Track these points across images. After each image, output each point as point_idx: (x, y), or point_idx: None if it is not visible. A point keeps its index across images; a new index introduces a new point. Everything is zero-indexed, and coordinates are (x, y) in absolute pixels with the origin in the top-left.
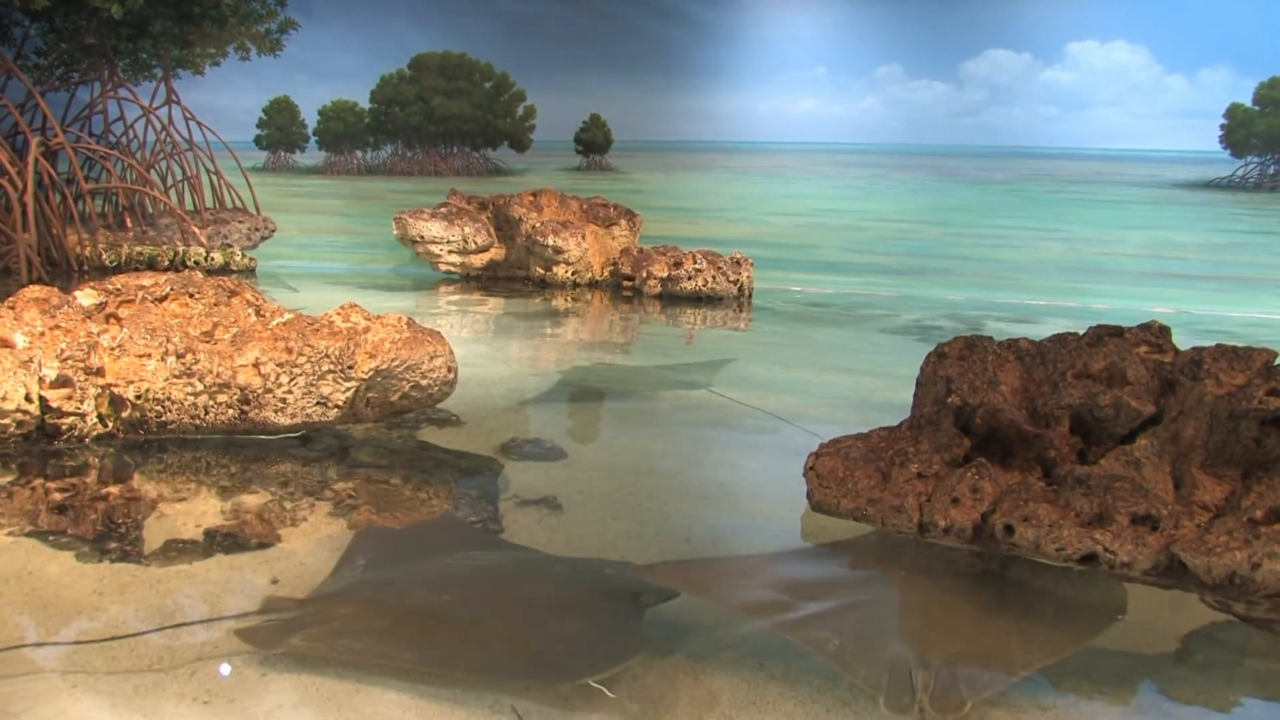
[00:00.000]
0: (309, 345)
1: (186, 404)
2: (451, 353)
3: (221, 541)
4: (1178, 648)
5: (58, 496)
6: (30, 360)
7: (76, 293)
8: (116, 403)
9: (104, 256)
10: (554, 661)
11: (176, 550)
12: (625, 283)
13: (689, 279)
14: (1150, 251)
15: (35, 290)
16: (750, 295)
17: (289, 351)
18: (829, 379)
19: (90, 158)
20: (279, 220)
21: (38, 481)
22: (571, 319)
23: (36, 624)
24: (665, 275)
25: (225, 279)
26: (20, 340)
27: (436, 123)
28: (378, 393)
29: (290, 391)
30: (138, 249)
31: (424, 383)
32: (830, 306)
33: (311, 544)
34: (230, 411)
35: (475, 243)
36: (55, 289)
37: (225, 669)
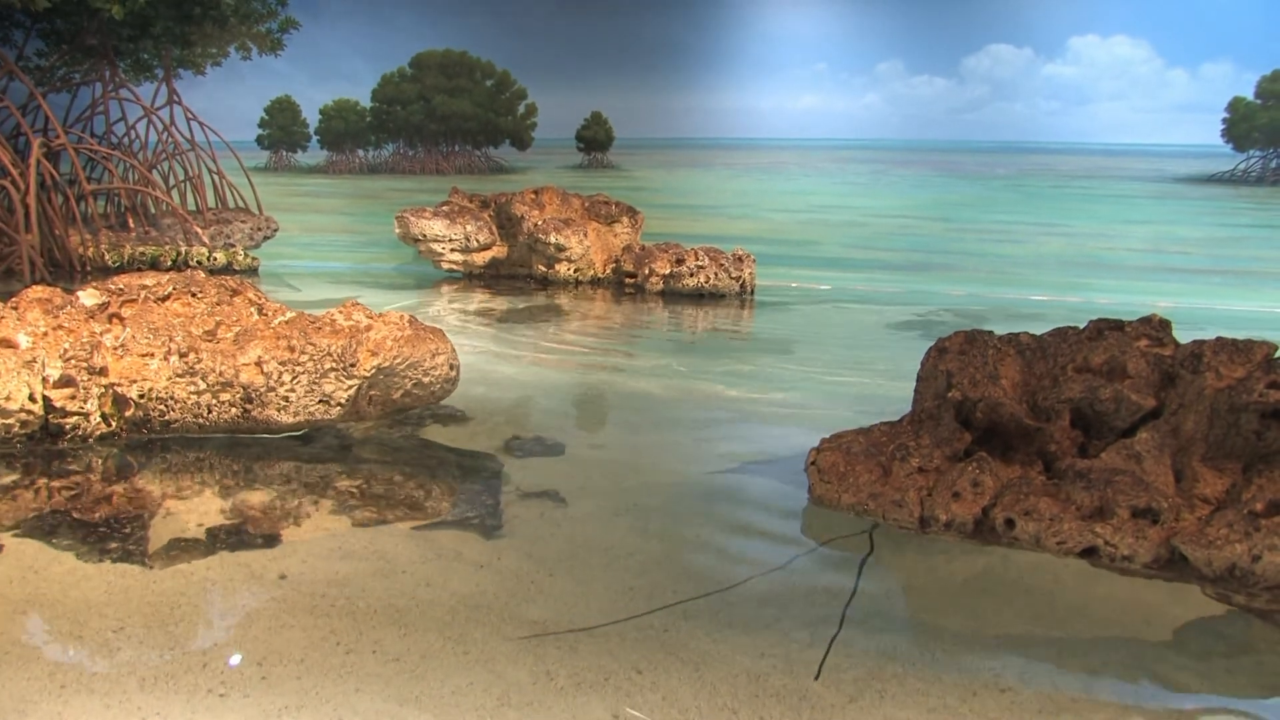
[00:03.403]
0: (311, 343)
1: (189, 403)
2: (454, 350)
3: (226, 539)
4: (1178, 638)
5: (62, 496)
6: (34, 360)
7: (79, 293)
8: (120, 402)
9: (106, 257)
10: None
11: (182, 548)
12: (627, 280)
13: (691, 276)
14: (1152, 246)
15: (38, 291)
16: (752, 291)
17: (291, 350)
18: (830, 374)
19: (92, 158)
20: (281, 220)
21: (42, 481)
22: (574, 316)
23: (43, 624)
24: (667, 272)
25: (227, 278)
26: (24, 340)
27: (438, 121)
28: (380, 390)
29: (293, 390)
30: (140, 249)
31: (426, 380)
32: (832, 302)
33: (316, 540)
34: (233, 410)
35: (477, 241)
36: (58, 289)
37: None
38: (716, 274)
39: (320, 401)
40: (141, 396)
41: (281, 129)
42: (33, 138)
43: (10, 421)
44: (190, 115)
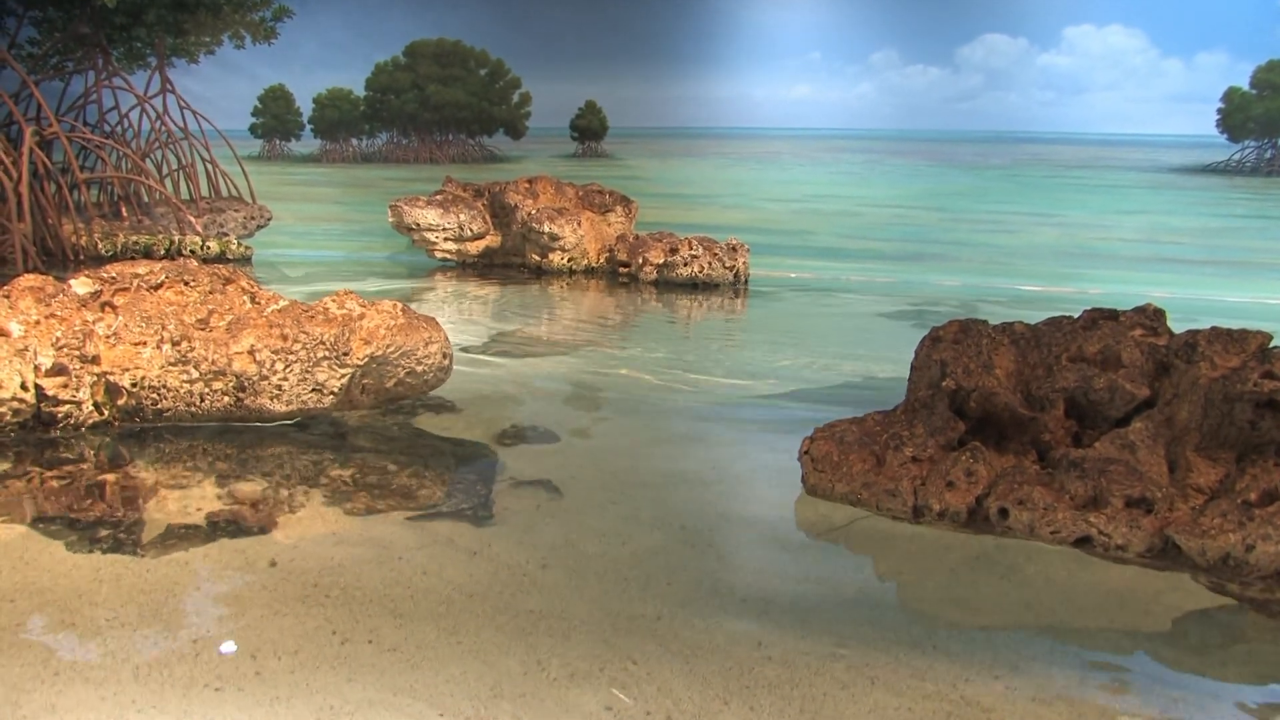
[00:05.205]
0: (304, 332)
1: (182, 391)
2: (447, 339)
3: (219, 528)
4: (1171, 627)
5: (54, 485)
6: (26, 349)
7: (71, 281)
8: (112, 390)
9: (100, 246)
10: None
11: (174, 537)
12: (621, 269)
13: (685, 265)
14: (1147, 236)
15: (30, 279)
16: (746, 281)
17: (284, 338)
18: (824, 364)
19: (85, 147)
20: (275, 208)
21: (34, 470)
22: (567, 306)
23: (34, 613)
24: (661, 262)
25: (220, 266)
26: (15, 329)
27: (432, 110)
28: (373, 379)
29: (285, 378)
30: (133, 238)
31: (419, 369)
32: (826, 292)
33: (309, 529)
34: (226, 399)
35: (471, 230)
36: (50, 278)
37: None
38: (710, 264)
39: (313, 390)
40: (134, 385)
41: (275, 118)
42: (25, 126)
43: (2, 410)
44: (183, 104)
